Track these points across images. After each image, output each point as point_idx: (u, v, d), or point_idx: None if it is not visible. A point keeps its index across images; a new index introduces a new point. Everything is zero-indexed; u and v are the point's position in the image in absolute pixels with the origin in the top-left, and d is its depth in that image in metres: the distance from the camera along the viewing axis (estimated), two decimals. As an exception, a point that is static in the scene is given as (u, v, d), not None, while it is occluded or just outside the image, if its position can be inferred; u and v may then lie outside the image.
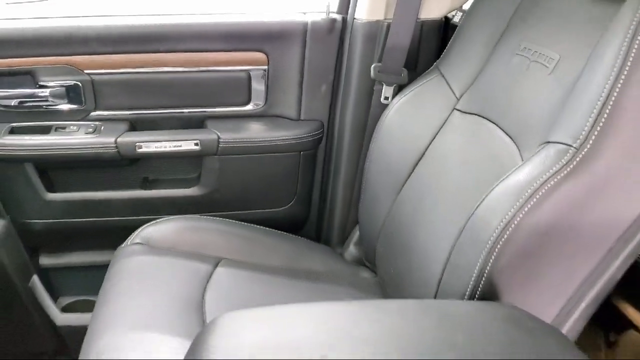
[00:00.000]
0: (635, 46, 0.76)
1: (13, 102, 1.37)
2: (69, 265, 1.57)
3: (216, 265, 1.25)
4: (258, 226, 1.40)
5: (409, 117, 1.27)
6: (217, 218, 1.38)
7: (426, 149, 1.20)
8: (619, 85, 0.76)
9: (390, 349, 0.63)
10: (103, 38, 1.35)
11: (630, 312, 1.43)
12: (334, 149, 1.49)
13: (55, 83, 1.36)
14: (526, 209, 0.78)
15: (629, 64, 0.76)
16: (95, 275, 1.42)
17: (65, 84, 1.37)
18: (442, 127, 1.21)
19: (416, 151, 1.21)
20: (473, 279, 0.81)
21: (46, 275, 1.57)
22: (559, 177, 0.78)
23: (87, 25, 1.34)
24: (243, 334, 0.67)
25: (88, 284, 1.56)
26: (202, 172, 1.46)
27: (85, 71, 1.36)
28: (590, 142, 0.77)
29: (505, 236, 0.79)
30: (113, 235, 1.38)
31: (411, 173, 1.21)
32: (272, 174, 1.48)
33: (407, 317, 0.70)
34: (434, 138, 1.20)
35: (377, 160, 1.31)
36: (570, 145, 0.79)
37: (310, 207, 1.59)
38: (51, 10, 1.39)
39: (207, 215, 1.38)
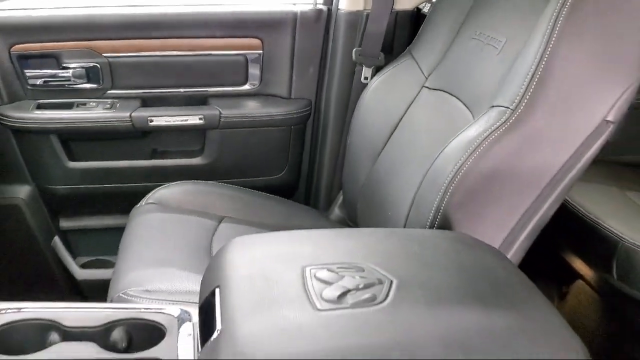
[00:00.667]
0: (557, 29, 0.96)
1: (39, 82, 1.54)
2: (86, 228, 1.74)
3: (220, 222, 1.43)
4: (255, 191, 1.59)
5: (385, 94, 1.46)
6: (219, 183, 1.57)
7: (400, 121, 1.39)
8: (544, 61, 0.96)
9: (362, 254, 0.83)
10: (119, 26, 1.53)
11: (577, 264, 1.63)
12: (320, 124, 1.68)
13: (76, 65, 1.54)
14: (473, 157, 0.98)
15: (551, 44, 0.96)
16: (111, 237, 1.60)
17: (85, 66, 1.54)
18: (413, 101, 1.40)
19: (391, 123, 1.40)
20: (431, 214, 1.01)
21: (66, 236, 1.75)
22: (499, 132, 0.98)
23: (105, 14, 1.52)
24: (255, 249, 0.85)
25: (104, 245, 1.73)
26: (206, 143, 1.65)
27: (103, 54, 1.54)
28: (523, 104, 0.97)
29: (457, 179, 0.98)
30: (126, 200, 1.55)
31: (387, 142, 1.40)
32: (267, 146, 1.67)
33: (376, 236, 0.89)
34: (406, 111, 1.39)
35: (358, 132, 1.50)
36: (508, 107, 0.99)
37: (300, 175, 1.78)
38: (74, 1, 1.56)
39: (204, 184, 1.56)
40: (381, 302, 0.72)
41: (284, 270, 0.78)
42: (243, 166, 1.68)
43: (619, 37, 0.98)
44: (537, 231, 1.07)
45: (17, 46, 1.50)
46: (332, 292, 0.73)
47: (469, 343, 0.67)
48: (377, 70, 1.53)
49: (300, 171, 1.78)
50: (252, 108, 1.63)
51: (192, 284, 1.14)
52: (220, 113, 1.60)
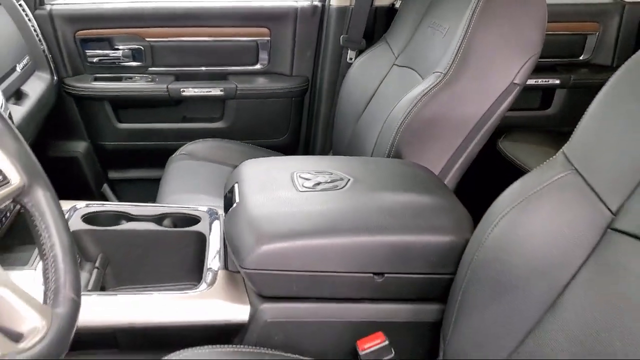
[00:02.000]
0: (475, 18, 1.32)
1: (96, 60, 1.92)
2: (129, 178, 2.12)
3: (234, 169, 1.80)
4: (264, 148, 1.96)
5: (365, 70, 1.82)
6: (236, 141, 1.94)
7: (375, 91, 1.75)
8: (466, 40, 1.32)
9: (333, 165, 1.19)
10: (158, 17, 1.90)
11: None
12: (315, 96, 2.05)
13: (125, 47, 1.92)
14: (416, 108, 1.34)
15: (471, 27, 1.32)
16: (150, 185, 1.97)
17: (132, 48, 1.92)
18: (385, 76, 1.75)
19: (369, 93, 1.76)
20: (387, 149, 1.37)
21: (113, 185, 2.13)
22: (434, 90, 1.34)
23: (148, 7, 1.90)
24: (260, 164, 1.23)
25: (144, 192, 2.10)
26: (224, 111, 2.02)
27: (146, 39, 1.91)
28: (452, 70, 1.34)
29: (405, 124, 1.35)
30: (162, 156, 1.92)
31: (365, 107, 1.76)
32: (272, 114, 2.04)
33: (346, 159, 1.27)
34: (380, 83, 1.75)
35: (344, 102, 1.87)
36: (441, 73, 1.35)
37: (300, 137, 2.15)
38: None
39: (224, 141, 1.92)
40: (341, 188, 1.09)
41: (278, 173, 1.16)
42: (253, 129, 2.05)
43: (521, 21, 1.34)
44: (467, 164, 1.43)
45: (80, 32, 1.88)
46: (309, 183, 1.11)
47: (395, 211, 1.04)
48: (359, 52, 1.89)
49: (300, 135, 2.15)
50: (261, 83, 2.01)
51: (216, 203, 1.51)
52: (237, 87, 1.97)
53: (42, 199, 0.68)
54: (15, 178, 0.66)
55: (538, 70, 2.09)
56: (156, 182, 1.76)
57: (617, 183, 0.80)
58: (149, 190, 1.95)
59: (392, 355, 0.96)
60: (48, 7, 1.85)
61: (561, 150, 0.91)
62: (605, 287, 0.76)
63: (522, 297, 0.84)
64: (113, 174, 2.12)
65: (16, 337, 0.53)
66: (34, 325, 0.56)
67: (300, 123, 2.12)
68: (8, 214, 1.11)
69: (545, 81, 2.10)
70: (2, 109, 1.22)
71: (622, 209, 0.78)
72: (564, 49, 2.13)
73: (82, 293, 0.66)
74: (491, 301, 0.88)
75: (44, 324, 0.57)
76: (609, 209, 0.79)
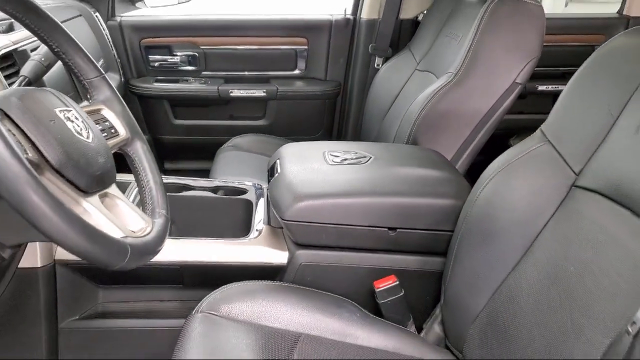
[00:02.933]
0: (481, 26, 1.53)
1: (157, 64, 2.20)
2: (183, 169, 2.39)
3: (275, 160, 2.04)
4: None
5: (391, 75, 2.04)
6: (275, 136, 2.17)
7: (399, 93, 1.98)
8: (474, 45, 1.54)
9: (358, 147, 1.41)
10: (211, 28, 2.17)
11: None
12: (346, 98, 2.28)
13: (182, 53, 2.19)
14: (430, 103, 1.55)
15: (478, 35, 1.54)
16: (201, 176, 2.22)
17: (188, 54, 2.19)
18: (408, 80, 1.98)
19: (393, 94, 1.98)
20: (405, 138, 1.59)
21: (168, 174, 2.39)
22: (446, 87, 1.55)
23: (202, 20, 2.17)
24: (297, 147, 1.45)
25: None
26: (266, 110, 2.27)
27: (200, 47, 2.18)
28: (461, 71, 1.55)
29: (421, 116, 1.56)
30: (211, 149, 2.15)
31: (390, 107, 1.98)
32: (308, 113, 2.28)
33: (370, 144, 1.49)
34: (403, 86, 1.97)
35: (371, 103, 2.09)
36: (453, 73, 1.57)
37: (332, 134, 2.38)
38: (181, 10, 2.22)
39: (266, 136, 2.16)
40: (363, 163, 1.32)
41: (312, 152, 1.39)
42: (291, 127, 2.29)
43: (522, 29, 1.55)
44: (476, 153, 1.63)
45: (145, 40, 2.16)
46: (337, 159, 1.34)
47: (407, 180, 1.26)
48: (386, 59, 2.12)
49: (332, 132, 2.38)
50: (299, 86, 2.25)
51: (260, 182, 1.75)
52: (277, 89, 2.22)
53: (140, 149, 0.93)
54: (122, 132, 0.91)
55: (549, 77, 2.30)
56: (206, 172, 2.01)
57: (580, 150, 1.00)
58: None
59: (402, 293, 1.18)
60: (118, 18, 2.13)
61: (540, 127, 1.11)
62: (567, 230, 0.96)
63: (505, 243, 1.05)
64: (168, 165, 2.39)
65: (130, 231, 0.76)
66: (142, 226, 0.80)
67: (333, 122, 2.35)
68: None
69: (556, 87, 2.29)
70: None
71: (582, 171, 0.99)
72: (573, 59, 2.31)
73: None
74: (480, 248, 1.08)
75: (148, 226, 0.80)
76: (573, 171, 1.00)
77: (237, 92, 2.19)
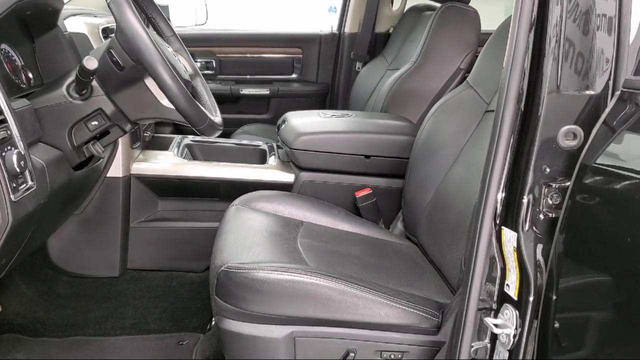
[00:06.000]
0: (432, 26, 2.05)
1: (181, 70, 2.69)
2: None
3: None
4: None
5: (369, 75, 2.55)
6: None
7: (375, 87, 2.48)
8: (427, 39, 2.05)
9: (347, 111, 1.90)
10: (225, 39, 2.69)
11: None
12: (334, 96, 2.79)
13: (202, 60, 2.69)
14: (396, 84, 2.06)
15: (430, 33, 2.05)
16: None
17: (206, 61, 2.69)
18: (381, 78, 2.48)
19: (371, 89, 2.48)
20: (380, 108, 2.08)
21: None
22: (408, 72, 2.06)
23: (217, 33, 2.68)
24: (298, 111, 1.93)
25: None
26: (269, 106, 2.76)
27: (217, 54, 2.69)
28: (419, 59, 2.06)
29: (389, 95, 2.06)
30: (225, 137, 2.62)
31: (368, 99, 2.48)
32: (304, 108, 2.76)
33: (355, 111, 1.97)
34: (378, 82, 2.48)
35: (354, 99, 2.59)
36: (413, 62, 2.08)
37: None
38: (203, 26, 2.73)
39: (269, 126, 2.64)
40: (346, 117, 1.80)
41: (310, 113, 1.88)
42: (290, 119, 2.77)
43: (462, 29, 2.07)
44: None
45: (172, 50, 2.66)
46: (328, 115, 1.82)
47: (378, 124, 1.74)
48: (364, 64, 2.64)
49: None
50: (295, 87, 2.76)
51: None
52: (278, 89, 2.72)
53: (200, 82, 1.41)
54: (190, 70, 1.39)
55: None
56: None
57: (491, 86, 1.49)
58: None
59: (374, 199, 1.64)
60: (152, 33, 2.64)
61: (466, 78, 1.61)
62: (481, 139, 1.44)
63: (441, 156, 1.52)
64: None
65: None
66: (211, 115, 1.27)
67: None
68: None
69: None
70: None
71: (492, 99, 1.48)
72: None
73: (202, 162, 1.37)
74: (425, 162, 1.56)
75: (213, 117, 1.27)
76: (485, 101, 1.49)
77: (245, 91, 2.69)
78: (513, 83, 0.95)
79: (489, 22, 3.24)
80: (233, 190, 1.67)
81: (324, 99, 2.82)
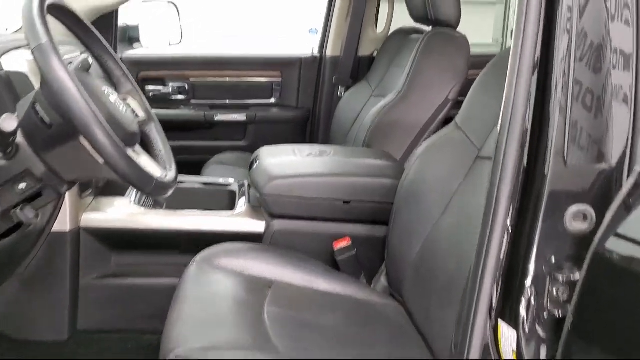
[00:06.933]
0: (418, 55, 1.91)
1: (151, 94, 2.53)
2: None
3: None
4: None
5: (351, 101, 2.40)
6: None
7: (359, 114, 2.32)
8: (413, 67, 1.91)
9: (323, 149, 1.75)
10: (199, 62, 2.53)
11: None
12: (315, 122, 2.63)
13: (174, 85, 2.52)
14: (380, 115, 1.91)
15: (417, 57, 1.91)
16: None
17: (179, 86, 2.53)
18: (365, 104, 2.33)
19: (354, 116, 2.33)
20: (361, 144, 1.93)
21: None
22: (393, 102, 1.91)
23: (190, 57, 2.52)
24: (273, 146, 1.78)
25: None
26: (246, 132, 2.60)
27: (190, 79, 2.53)
28: (404, 89, 1.91)
29: (373, 126, 1.91)
30: (199, 166, 2.46)
31: (351, 127, 2.33)
32: (282, 135, 2.60)
33: (333, 147, 1.82)
34: (362, 109, 2.32)
35: (336, 126, 2.44)
36: (398, 91, 1.93)
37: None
38: (174, 49, 2.57)
39: (246, 154, 2.48)
40: (325, 156, 1.65)
41: (285, 150, 1.72)
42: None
43: (451, 56, 1.93)
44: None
45: (142, 73, 2.50)
46: (304, 154, 1.67)
47: (359, 164, 1.59)
48: (347, 89, 2.49)
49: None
50: (274, 112, 2.60)
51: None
52: (256, 115, 2.56)
53: (154, 127, 1.24)
54: (141, 115, 1.23)
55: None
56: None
57: (481, 130, 1.35)
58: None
59: (355, 251, 1.48)
60: (120, 54, 2.47)
61: (454, 119, 1.46)
62: (473, 189, 1.29)
63: (428, 204, 1.37)
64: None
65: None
66: (160, 174, 1.10)
67: (304, 141, 2.69)
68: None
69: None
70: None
71: (483, 145, 1.33)
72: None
73: (162, 209, 1.20)
74: (411, 210, 1.41)
75: (164, 174, 1.11)
76: (476, 146, 1.34)
77: (221, 116, 2.53)
78: (510, 152, 0.80)
79: (477, 34, 3.13)
80: (196, 241, 1.51)
81: (305, 125, 2.66)
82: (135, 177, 0.96)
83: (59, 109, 0.91)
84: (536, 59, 0.80)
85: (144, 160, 1.11)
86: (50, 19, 1.03)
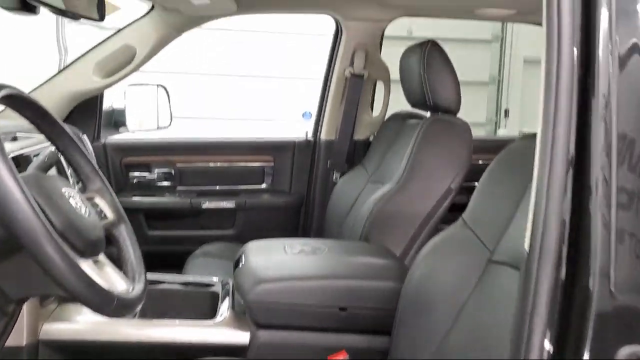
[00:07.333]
0: (417, 142, 1.80)
1: (135, 181, 2.41)
2: (152, 280, 2.50)
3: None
4: None
5: (347, 187, 2.28)
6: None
7: (355, 201, 2.20)
8: (412, 155, 1.80)
9: (318, 244, 1.60)
10: (186, 147, 2.43)
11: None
12: (309, 209, 2.50)
13: (159, 171, 2.41)
14: (378, 206, 1.78)
15: (416, 145, 1.80)
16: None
17: (165, 172, 2.41)
18: (362, 191, 2.21)
19: (350, 203, 2.20)
20: (358, 237, 1.79)
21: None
22: (391, 192, 1.79)
23: (177, 142, 2.42)
24: (261, 241, 1.63)
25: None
26: (235, 220, 2.46)
27: (177, 165, 2.42)
28: (403, 178, 1.80)
29: (371, 217, 1.78)
30: (183, 257, 2.30)
31: (347, 215, 2.19)
32: (274, 223, 2.48)
33: (327, 240, 1.68)
34: (358, 196, 2.20)
35: (331, 212, 2.31)
36: (396, 180, 1.81)
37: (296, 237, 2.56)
38: (159, 134, 2.48)
39: (234, 244, 2.33)
40: (318, 254, 1.50)
41: (274, 246, 1.58)
42: (258, 235, 2.44)
43: (452, 144, 1.82)
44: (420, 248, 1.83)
45: (126, 159, 2.39)
46: (295, 251, 1.52)
47: (356, 265, 1.44)
48: (343, 174, 2.38)
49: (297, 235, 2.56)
50: (266, 199, 2.47)
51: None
52: (246, 201, 2.43)
53: (124, 230, 1.10)
54: (110, 216, 1.09)
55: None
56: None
57: (493, 232, 1.21)
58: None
59: (352, 368, 1.31)
60: (103, 140, 2.37)
61: (461, 215, 1.33)
62: (486, 297, 1.14)
63: (436, 314, 1.21)
64: (141, 274, 2.51)
65: (116, 290, 0.92)
66: (126, 288, 0.95)
67: (297, 230, 2.54)
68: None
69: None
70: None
71: (496, 248, 1.19)
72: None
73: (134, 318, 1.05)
74: (417, 320, 1.25)
75: (130, 288, 0.96)
76: (488, 249, 1.20)
77: (208, 204, 2.40)
78: (544, 276, 0.66)
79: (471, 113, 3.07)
80: (172, 355, 1.34)
81: (298, 212, 2.53)
82: (90, 297, 0.81)
83: (1, 221, 0.78)
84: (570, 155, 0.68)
85: (108, 272, 0.96)
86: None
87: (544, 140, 0.69)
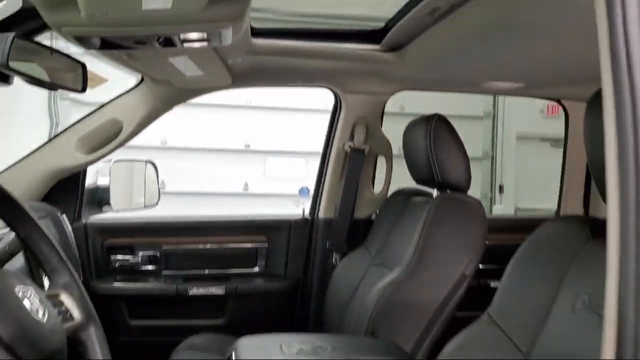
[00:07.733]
0: (429, 218, 1.66)
1: (117, 265, 2.23)
2: None
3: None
4: None
5: (349, 271, 2.11)
6: (233, 336, 2.14)
7: (358, 286, 2.03)
8: (422, 238, 1.65)
9: (322, 340, 1.42)
10: (173, 228, 2.27)
11: None
12: (306, 294, 2.31)
13: (143, 253, 2.24)
14: (385, 295, 1.61)
15: (426, 227, 1.66)
16: None
17: (149, 255, 2.24)
18: (365, 275, 2.04)
19: (352, 288, 2.02)
20: (364, 330, 1.61)
21: None
22: (399, 279, 1.62)
23: (163, 222, 2.27)
24: (254, 337, 1.45)
25: None
26: (225, 308, 2.27)
27: (163, 247, 2.25)
28: (412, 263, 1.64)
29: (377, 308, 1.61)
30: (168, 349, 2.09)
31: (350, 301, 2.02)
32: (267, 310, 2.28)
33: (332, 336, 1.50)
34: (361, 280, 2.03)
35: (331, 297, 2.13)
36: (404, 266, 1.65)
37: (292, 330, 2.36)
38: (143, 214, 2.33)
39: (223, 336, 2.12)
40: (320, 355, 1.32)
41: (268, 345, 1.40)
42: (250, 325, 2.23)
43: (465, 225, 1.68)
44: (436, 342, 1.64)
45: (107, 241, 2.22)
46: (293, 351, 1.34)
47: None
48: (343, 255, 2.22)
49: (292, 328, 2.35)
50: (259, 284, 2.29)
51: None
52: (237, 287, 2.25)
53: (93, 334, 0.94)
54: (77, 316, 0.93)
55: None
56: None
57: (525, 331, 1.05)
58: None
59: None
60: (84, 220, 2.22)
61: (487, 310, 1.17)
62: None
63: None
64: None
65: None
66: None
67: (293, 318, 2.35)
68: None
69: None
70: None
71: (530, 351, 1.03)
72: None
73: None
74: None
75: None
76: (520, 350, 1.04)
77: (195, 290, 2.21)
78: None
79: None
80: None
81: (294, 298, 2.34)
82: None
83: None
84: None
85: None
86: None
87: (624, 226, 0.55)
